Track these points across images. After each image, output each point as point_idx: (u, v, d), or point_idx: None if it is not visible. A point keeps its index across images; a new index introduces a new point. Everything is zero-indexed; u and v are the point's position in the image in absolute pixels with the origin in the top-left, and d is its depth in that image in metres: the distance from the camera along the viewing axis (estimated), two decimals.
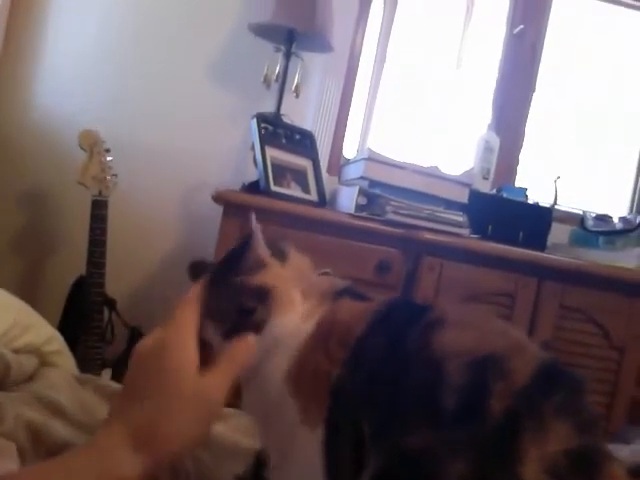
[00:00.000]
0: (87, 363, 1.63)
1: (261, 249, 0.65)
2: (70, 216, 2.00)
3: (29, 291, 2.04)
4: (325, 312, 0.61)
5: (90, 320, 1.66)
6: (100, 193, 1.69)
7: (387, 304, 0.61)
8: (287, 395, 0.57)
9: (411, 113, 2.36)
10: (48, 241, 2.06)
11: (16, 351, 0.88)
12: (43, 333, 0.95)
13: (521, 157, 2.38)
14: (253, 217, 0.67)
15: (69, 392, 0.83)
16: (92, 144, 1.70)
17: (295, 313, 0.62)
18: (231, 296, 0.61)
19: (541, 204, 1.98)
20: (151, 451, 0.50)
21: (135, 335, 1.78)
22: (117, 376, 1.69)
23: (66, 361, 0.98)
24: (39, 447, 0.69)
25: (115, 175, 1.73)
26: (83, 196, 1.70)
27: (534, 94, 2.38)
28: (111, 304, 1.76)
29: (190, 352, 0.54)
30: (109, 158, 1.72)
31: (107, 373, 1.68)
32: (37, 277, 2.05)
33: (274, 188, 1.69)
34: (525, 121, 2.38)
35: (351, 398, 0.54)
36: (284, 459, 0.58)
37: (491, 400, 0.48)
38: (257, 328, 0.60)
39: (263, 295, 0.61)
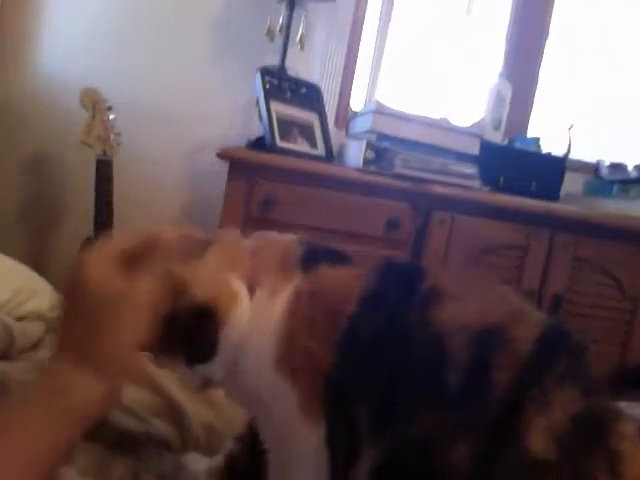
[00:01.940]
0: None
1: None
2: (76, 178, 1.98)
3: (38, 255, 2.04)
4: (300, 285, 0.55)
5: None
6: (104, 153, 1.67)
7: (376, 273, 0.55)
8: (282, 383, 0.53)
9: (420, 63, 2.29)
10: (55, 204, 2.04)
11: (21, 318, 0.87)
12: (49, 299, 0.94)
13: (534, 106, 2.31)
14: None
15: None
16: (94, 102, 1.67)
17: (246, 304, 0.55)
18: (172, 327, 0.53)
19: (554, 154, 1.94)
20: (97, 366, 0.49)
21: None
22: None
23: None
24: None
25: (119, 134, 1.70)
26: (88, 157, 1.68)
27: (547, 40, 2.29)
28: None
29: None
30: (112, 116, 1.69)
31: None
32: (46, 241, 2.05)
33: (280, 144, 1.66)
34: (538, 69, 2.30)
35: (347, 385, 0.50)
36: (285, 451, 0.54)
37: (494, 373, 0.46)
38: (214, 349, 0.54)
39: (200, 312, 0.54)
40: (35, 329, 0.89)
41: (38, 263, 2.00)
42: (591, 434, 0.46)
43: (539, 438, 0.44)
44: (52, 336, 0.90)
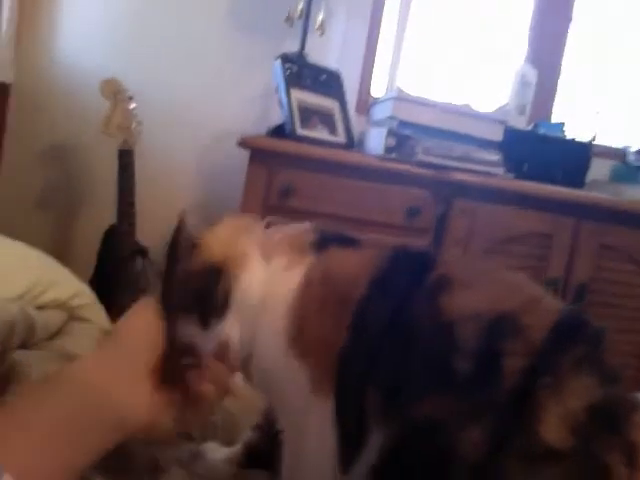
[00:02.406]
0: (123, 311, 1.65)
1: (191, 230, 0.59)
2: (99, 167, 1.99)
3: (62, 244, 2.07)
4: (312, 265, 0.56)
5: (123, 269, 1.68)
6: (126, 142, 1.68)
7: (386, 258, 0.56)
8: (294, 362, 0.54)
9: (442, 48, 2.25)
10: (78, 193, 2.06)
11: (42, 307, 0.88)
12: (70, 287, 0.95)
13: (558, 91, 2.27)
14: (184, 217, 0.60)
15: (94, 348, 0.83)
16: (114, 92, 1.67)
17: (259, 266, 0.57)
18: (185, 287, 0.56)
19: (579, 140, 1.89)
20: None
21: None
22: None
23: (96, 314, 0.98)
24: None
25: (140, 123, 1.70)
26: (110, 146, 1.69)
27: (572, 23, 2.24)
28: (143, 253, 1.77)
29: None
30: (132, 106, 1.70)
31: None
32: (69, 229, 2.07)
33: (300, 131, 1.65)
34: (562, 53, 2.25)
35: (357, 367, 0.51)
36: (297, 433, 0.55)
37: (506, 361, 0.46)
38: (226, 301, 0.55)
39: (212, 269, 0.56)
40: (56, 318, 0.89)
41: (61, 251, 2.03)
42: (607, 424, 0.45)
43: (552, 426, 0.43)
44: (72, 324, 0.91)
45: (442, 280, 0.52)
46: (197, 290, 0.55)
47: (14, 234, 1.00)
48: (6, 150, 2.00)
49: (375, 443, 0.49)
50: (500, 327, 0.47)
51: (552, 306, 0.51)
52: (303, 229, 0.62)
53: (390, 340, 0.50)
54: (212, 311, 0.55)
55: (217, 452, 0.68)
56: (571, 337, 0.48)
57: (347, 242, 0.59)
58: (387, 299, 0.52)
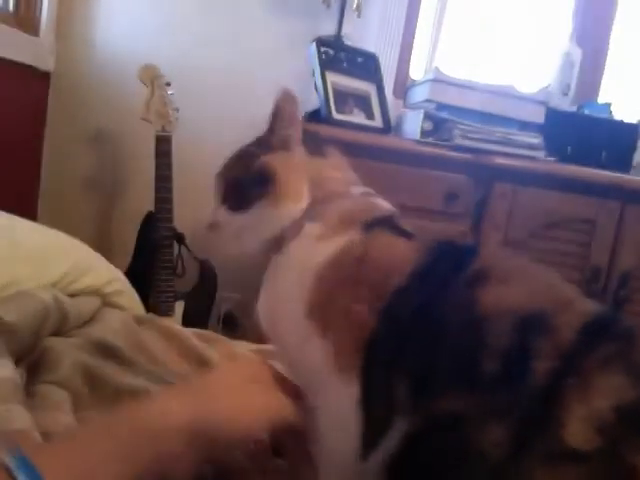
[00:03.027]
0: (160, 296, 1.67)
1: (292, 130, 0.64)
2: (137, 153, 2.02)
3: (102, 230, 2.10)
4: (353, 241, 0.57)
5: (161, 255, 1.70)
6: (163, 128, 1.69)
7: (428, 250, 0.56)
8: (313, 334, 0.54)
9: (483, 28, 2.19)
10: (117, 179, 2.09)
11: (76, 294, 0.89)
12: (104, 274, 0.97)
13: (606, 71, 2.18)
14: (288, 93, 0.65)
15: (126, 335, 0.85)
16: (152, 78, 1.68)
17: (297, 206, 0.60)
18: (242, 167, 0.63)
19: (627, 121, 1.82)
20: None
21: (205, 268, 1.81)
22: (189, 308, 1.74)
23: (129, 301, 1.00)
24: (96, 392, 0.70)
25: (177, 109, 1.71)
26: (148, 132, 1.70)
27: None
28: (180, 239, 1.79)
29: None
30: (170, 92, 1.71)
31: (180, 305, 1.73)
32: (109, 215, 2.11)
33: (336, 115, 1.63)
34: (610, 30, 2.16)
35: (387, 354, 0.51)
36: (314, 404, 0.55)
37: (534, 362, 0.45)
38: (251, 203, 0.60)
39: (264, 176, 0.61)
40: (89, 305, 0.91)
41: (101, 238, 2.07)
42: (637, 425, 0.43)
43: (577, 427, 0.42)
44: (104, 311, 0.92)
45: (479, 274, 0.52)
46: (243, 181, 0.63)
47: (56, 221, 1.02)
48: (48, 138, 2.05)
49: (398, 431, 0.49)
50: (531, 326, 0.47)
51: (584, 307, 0.51)
52: (364, 207, 0.63)
53: (421, 330, 0.50)
54: (240, 201, 0.62)
55: None
56: (600, 336, 0.47)
57: (399, 232, 0.59)
58: (424, 292, 0.52)
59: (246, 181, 0.62)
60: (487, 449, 0.44)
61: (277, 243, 0.61)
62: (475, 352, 0.47)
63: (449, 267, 0.54)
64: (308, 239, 0.58)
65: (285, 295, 0.57)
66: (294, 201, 0.60)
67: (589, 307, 0.51)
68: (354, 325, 0.52)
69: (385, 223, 0.60)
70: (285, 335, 0.58)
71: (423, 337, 0.50)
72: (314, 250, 0.57)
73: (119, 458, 0.46)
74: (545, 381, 0.44)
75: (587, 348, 0.46)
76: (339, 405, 0.52)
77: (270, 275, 0.62)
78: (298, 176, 0.62)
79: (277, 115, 0.63)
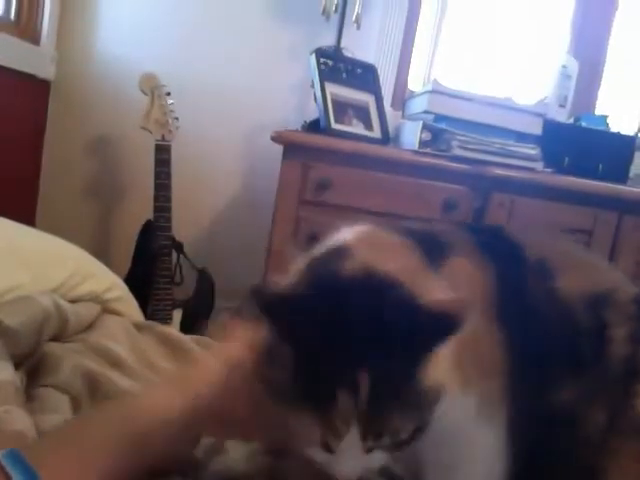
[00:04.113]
0: (159, 304, 1.68)
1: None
2: (136, 162, 2.03)
3: (101, 238, 2.11)
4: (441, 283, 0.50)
5: (159, 263, 1.70)
6: (163, 137, 1.70)
7: (485, 260, 0.53)
8: (456, 391, 0.47)
9: (481, 40, 2.21)
10: (116, 187, 2.10)
11: (76, 300, 0.90)
12: (104, 281, 0.97)
13: (602, 83, 2.20)
14: None
15: (126, 341, 0.85)
16: (152, 87, 1.70)
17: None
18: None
19: (623, 133, 1.83)
20: None
21: (203, 276, 1.81)
22: (187, 316, 1.74)
23: (128, 308, 1.00)
24: (95, 396, 0.70)
25: (177, 118, 1.72)
26: (148, 141, 1.71)
27: (616, 12, 2.17)
28: (179, 247, 1.79)
29: None
30: (170, 101, 1.72)
31: (178, 313, 1.73)
32: (107, 223, 2.11)
33: (335, 126, 1.64)
34: (607, 43, 2.18)
35: (528, 377, 0.49)
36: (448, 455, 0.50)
37: (611, 331, 0.50)
38: None
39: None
40: (89, 311, 0.91)
41: (99, 245, 2.07)
42: None
43: None
44: (104, 317, 0.92)
45: (542, 267, 0.55)
46: None
47: (55, 228, 1.02)
48: (47, 146, 2.05)
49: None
50: (600, 303, 0.52)
51: (625, 284, 0.57)
52: (399, 242, 0.54)
53: (527, 334, 0.50)
54: None
55: (237, 448, 0.68)
56: None
57: (441, 248, 0.54)
58: (515, 298, 0.52)
59: None
60: (592, 431, 0.46)
61: None
62: (574, 338, 0.50)
63: (513, 267, 0.55)
64: None
65: None
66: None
67: (628, 282, 0.57)
68: (489, 368, 0.49)
69: (429, 244, 0.54)
70: None
71: (529, 341, 0.50)
72: None
73: (111, 451, 0.47)
74: (625, 349, 0.49)
75: None
76: (486, 452, 0.49)
77: None
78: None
79: None
